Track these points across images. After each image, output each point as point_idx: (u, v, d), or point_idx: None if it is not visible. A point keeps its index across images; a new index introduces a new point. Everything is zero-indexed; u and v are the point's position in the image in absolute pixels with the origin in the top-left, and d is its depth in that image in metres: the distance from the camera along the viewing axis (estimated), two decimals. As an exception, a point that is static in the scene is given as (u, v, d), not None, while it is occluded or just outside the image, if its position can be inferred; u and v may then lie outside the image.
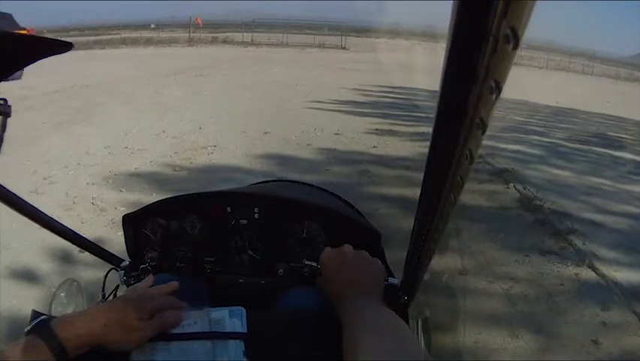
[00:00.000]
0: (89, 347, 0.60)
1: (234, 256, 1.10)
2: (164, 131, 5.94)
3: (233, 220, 1.10)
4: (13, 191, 0.79)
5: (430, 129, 0.38)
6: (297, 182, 1.53)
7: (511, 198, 4.22)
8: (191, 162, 4.82)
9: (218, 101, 8.22)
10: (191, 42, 22.44)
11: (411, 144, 5.83)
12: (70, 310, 0.97)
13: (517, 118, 8.48)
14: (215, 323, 0.77)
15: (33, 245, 2.78)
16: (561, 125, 8.86)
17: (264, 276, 1.10)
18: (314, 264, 1.01)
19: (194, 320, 0.77)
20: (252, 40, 23.42)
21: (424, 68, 11.99)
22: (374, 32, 29.94)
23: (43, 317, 0.60)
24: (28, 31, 11.31)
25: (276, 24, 28.91)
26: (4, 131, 0.49)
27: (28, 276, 2.58)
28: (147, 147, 5.26)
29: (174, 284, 0.73)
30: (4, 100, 0.48)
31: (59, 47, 0.52)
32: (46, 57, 0.54)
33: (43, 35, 0.52)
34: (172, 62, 14.30)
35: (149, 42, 22.34)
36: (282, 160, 4.99)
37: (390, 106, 8.72)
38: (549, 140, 7.11)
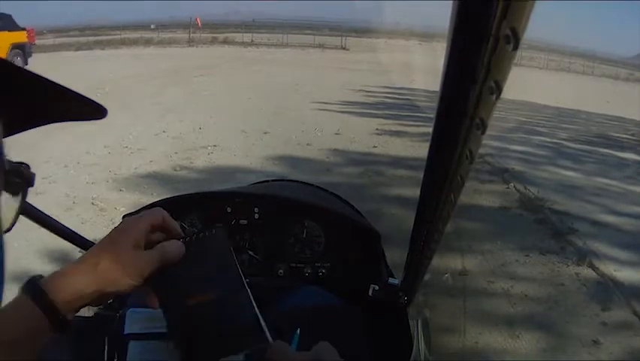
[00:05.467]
0: (84, 302, 0.53)
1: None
2: (164, 131, 5.94)
3: (233, 220, 1.09)
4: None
5: (430, 129, 0.38)
6: (297, 182, 1.53)
7: (511, 198, 4.22)
8: (191, 162, 4.82)
9: (218, 101, 8.22)
10: (191, 42, 22.44)
11: (411, 144, 5.83)
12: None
13: (517, 118, 8.49)
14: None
15: (33, 246, 2.78)
16: (561, 125, 8.86)
17: (264, 276, 1.09)
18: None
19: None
20: (252, 41, 23.42)
21: (424, 69, 11.99)
22: (374, 33, 29.93)
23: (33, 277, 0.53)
24: (27, 31, 11.32)
25: (276, 24, 28.92)
26: (24, 200, 0.43)
27: (27, 277, 2.58)
28: (147, 146, 5.26)
29: (164, 214, 0.61)
30: (27, 165, 0.43)
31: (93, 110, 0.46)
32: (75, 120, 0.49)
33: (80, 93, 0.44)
34: (172, 62, 14.30)
35: (149, 42, 22.33)
36: (282, 160, 4.99)
37: (390, 106, 8.72)
38: (549, 140, 7.11)
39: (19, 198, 0.42)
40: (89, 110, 0.46)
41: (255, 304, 0.56)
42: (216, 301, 0.56)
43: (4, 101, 0.39)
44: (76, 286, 0.52)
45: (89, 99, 0.44)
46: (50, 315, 0.50)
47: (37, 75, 0.40)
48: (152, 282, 0.55)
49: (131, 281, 0.54)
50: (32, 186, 0.42)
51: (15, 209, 0.42)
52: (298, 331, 0.68)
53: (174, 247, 0.57)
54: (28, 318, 0.50)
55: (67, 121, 0.48)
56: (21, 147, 0.44)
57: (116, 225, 0.59)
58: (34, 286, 0.52)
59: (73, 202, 3.70)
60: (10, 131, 0.46)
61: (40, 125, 0.48)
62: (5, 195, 0.40)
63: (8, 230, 0.41)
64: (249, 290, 0.57)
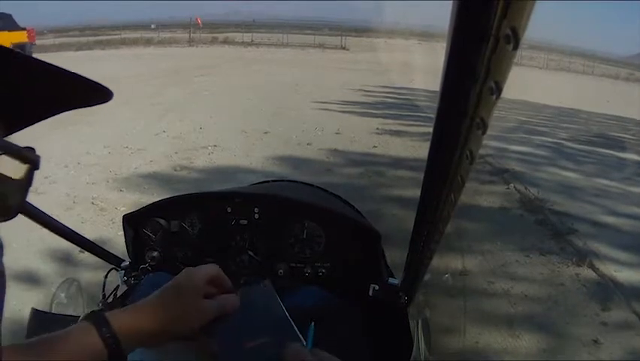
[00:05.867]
0: (143, 340, 0.56)
1: (234, 257, 1.10)
2: (164, 131, 5.94)
3: (234, 220, 1.09)
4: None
5: (431, 129, 0.38)
6: (297, 182, 1.53)
7: (511, 199, 4.22)
8: (191, 162, 4.82)
9: (218, 101, 8.22)
10: (191, 42, 22.44)
11: (411, 144, 5.83)
12: (70, 310, 0.97)
13: (518, 118, 8.48)
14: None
15: (33, 245, 2.78)
16: (561, 125, 8.85)
17: (264, 276, 1.09)
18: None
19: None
20: (252, 41, 23.41)
21: (424, 68, 11.99)
22: (374, 32, 29.91)
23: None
24: (28, 31, 11.32)
25: (276, 24, 28.91)
26: (29, 184, 0.42)
27: (28, 276, 2.58)
28: (147, 146, 5.26)
29: (219, 269, 0.65)
30: (32, 148, 0.43)
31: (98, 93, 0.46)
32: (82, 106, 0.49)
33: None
34: (172, 62, 14.30)
35: (149, 42, 22.33)
36: (283, 160, 4.99)
37: (390, 106, 8.72)
38: (549, 140, 7.10)
39: (25, 181, 0.42)
40: (96, 93, 0.47)
41: (306, 344, 0.60)
42: (271, 343, 0.60)
43: (13, 89, 0.40)
44: (139, 323, 0.55)
45: (94, 81, 0.45)
46: (110, 346, 0.52)
47: (43, 62, 0.40)
48: (208, 328, 0.59)
49: (191, 326, 0.58)
50: (38, 169, 0.42)
51: (21, 193, 0.42)
52: (313, 324, 0.68)
53: (232, 300, 0.62)
54: (88, 344, 0.52)
55: (75, 108, 0.49)
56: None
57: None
58: (99, 317, 0.54)
59: (74, 202, 3.71)
60: (23, 123, 0.47)
61: (50, 116, 0.49)
62: (11, 179, 0.40)
63: (14, 216, 0.41)
64: (300, 335, 0.61)
